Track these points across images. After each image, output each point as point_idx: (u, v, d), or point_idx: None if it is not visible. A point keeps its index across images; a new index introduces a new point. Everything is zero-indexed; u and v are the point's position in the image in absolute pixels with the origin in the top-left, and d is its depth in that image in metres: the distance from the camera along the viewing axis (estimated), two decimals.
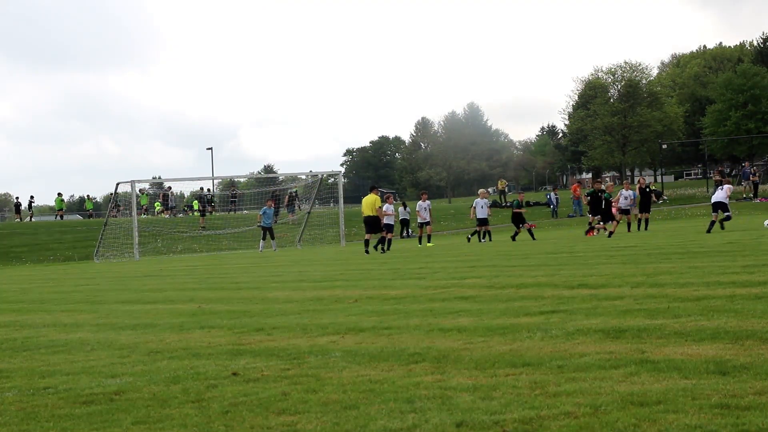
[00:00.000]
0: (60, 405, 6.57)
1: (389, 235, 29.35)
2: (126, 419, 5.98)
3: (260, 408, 6.04)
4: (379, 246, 28.74)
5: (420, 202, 32.31)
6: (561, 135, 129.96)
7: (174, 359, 8.43)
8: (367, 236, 28.47)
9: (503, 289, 12.66)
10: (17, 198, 73.07)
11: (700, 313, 8.91)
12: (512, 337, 8.32)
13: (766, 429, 4.78)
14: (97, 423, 5.94)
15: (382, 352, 7.97)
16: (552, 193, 56.45)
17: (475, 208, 32.27)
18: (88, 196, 74.96)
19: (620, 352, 7.14)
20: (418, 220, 32.63)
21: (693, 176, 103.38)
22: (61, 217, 60.77)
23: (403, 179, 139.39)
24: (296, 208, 50.13)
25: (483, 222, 32.17)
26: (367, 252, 27.65)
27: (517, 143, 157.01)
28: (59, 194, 61.68)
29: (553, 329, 8.55)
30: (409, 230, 44.39)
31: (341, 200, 43.70)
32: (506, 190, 62.15)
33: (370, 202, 28.44)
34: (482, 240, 32.05)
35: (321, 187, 47.92)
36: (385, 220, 29.03)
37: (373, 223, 28.42)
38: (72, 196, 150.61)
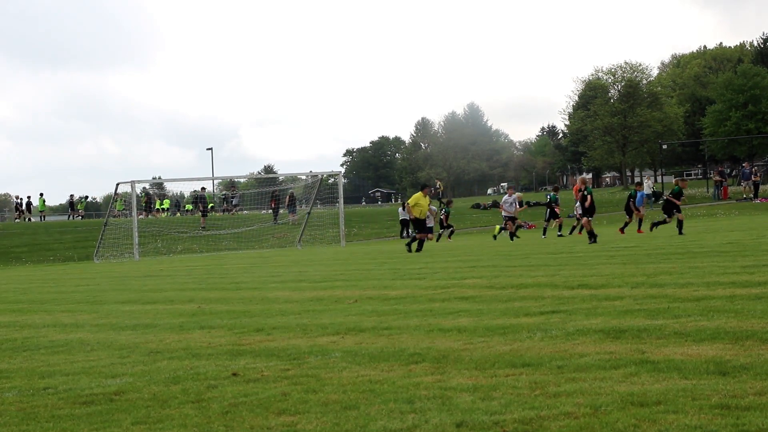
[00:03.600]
0: (60, 405, 6.57)
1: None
2: (126, 419, 5.98)
3: (260, 408, 6.04)
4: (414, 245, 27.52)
5: (506, 197, 33.47)
6: (561, 135, 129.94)
7: (174, 359, 8.43)
8: (420, 235, 26.37)
9: (503, 289, 12.66)
10: (18, 198, 73.10)
11: (700, 313, 8.91)
12: (512, 337, 8.32)
13: (766, 429, 4.78)
14: (97, 423, 5.94)
15: (382, 352, 7.97)
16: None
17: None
18: (86, 197, 75.19)
19: (620, 352, 7.14)
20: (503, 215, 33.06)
21: (693, 176, 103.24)
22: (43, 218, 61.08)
23: (403, 179, 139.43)
24: (296, 208, 50.12)
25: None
26: (419, 250, 25.94)
27: (517, 143, 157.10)
28: (41, 194, 62.05)
29: (553, 329, 8.55)
30: (410, 230, 44.38)
31: (341, 200, 43.70)
32: (441, 193, 62.46)
33: (427, 203, 26.61)
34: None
35: (321, 187, 47.88)
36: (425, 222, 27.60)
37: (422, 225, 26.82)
38: (72, 195, 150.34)
